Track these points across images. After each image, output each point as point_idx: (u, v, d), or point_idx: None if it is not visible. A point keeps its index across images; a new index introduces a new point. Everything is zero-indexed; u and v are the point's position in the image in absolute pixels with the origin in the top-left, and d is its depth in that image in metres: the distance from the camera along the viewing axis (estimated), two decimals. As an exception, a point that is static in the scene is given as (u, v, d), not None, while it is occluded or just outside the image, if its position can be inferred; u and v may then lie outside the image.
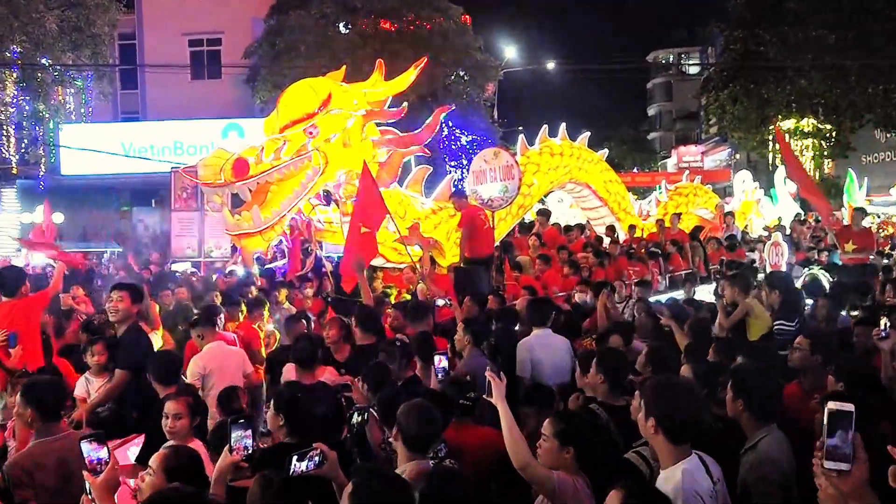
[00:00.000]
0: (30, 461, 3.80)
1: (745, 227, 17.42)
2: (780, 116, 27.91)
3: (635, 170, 50.29)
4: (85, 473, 2.90)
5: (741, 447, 3.42)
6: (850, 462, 2.10)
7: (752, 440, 3.36)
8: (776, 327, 6.47)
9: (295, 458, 2.94)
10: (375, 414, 4.16)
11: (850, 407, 2.11)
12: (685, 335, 5.80)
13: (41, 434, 3.92)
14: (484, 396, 3.62)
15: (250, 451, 3.08)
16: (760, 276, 9.46)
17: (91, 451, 2.92)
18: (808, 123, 28.16)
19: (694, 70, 58.30)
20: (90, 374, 5.94)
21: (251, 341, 7.63)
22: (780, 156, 25.40)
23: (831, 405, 2.12)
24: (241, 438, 3.07)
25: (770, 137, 28.40)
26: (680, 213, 14.91)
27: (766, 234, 16.64)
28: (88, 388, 5.87)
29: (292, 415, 3.99)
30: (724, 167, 41.23)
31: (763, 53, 27.15)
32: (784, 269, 9.85)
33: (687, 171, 20.05)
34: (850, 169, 21.10)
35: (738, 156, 40.01)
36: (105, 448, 2.96)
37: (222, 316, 7.38)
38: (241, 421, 3.16)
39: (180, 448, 3.43)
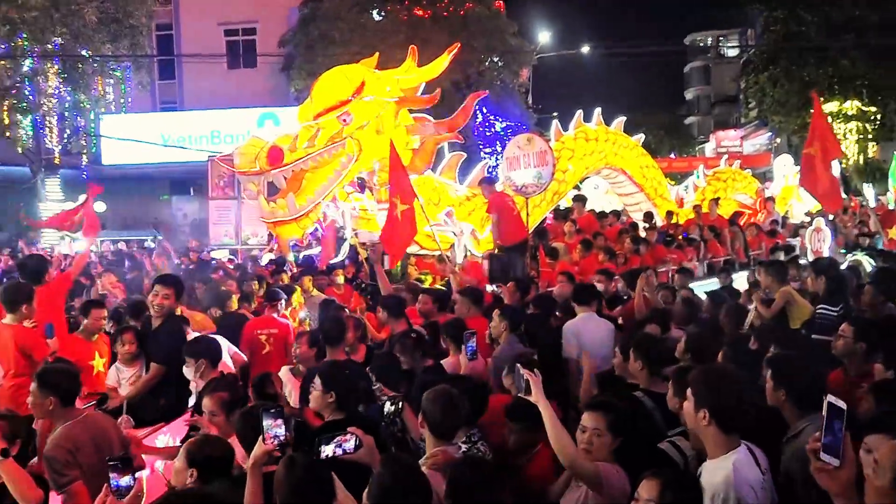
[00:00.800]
0: (70, 442, 3.86)
1: (786, 213, 17.06)
2: (822, 99, 27.19)
3: (672, 155, 49.56)
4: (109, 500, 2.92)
5: (783, 436, 3.35)
6: (840, 459, 2.14)
7: (794, 429, 3.29)
8: (818, 312, 6.32)
9: (322, 442, 2.96)
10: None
11: (842, 404, 2.16)
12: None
13: (63, 419, 3.98)
14: (521, 395, 3.51)
15: (282, 440, 3.03)
16: (803, 262, 9.24)
17: (116, 478, 2.92)
18: (851, 106, 27.46)
19: (733, 53, 57.08)
20: (120, 363, 5.89)
21: (286, 336, 7.56)
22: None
23: (830, 399, 2.18)
24: (272, 427, 3.02)
25: (811, 120, 27.70)
26: (718, 199, 14.65)
27: (807, 219, 16.31)
28: (119, 377, 5.83)
29: (342, 391, 3.98)
30: (763, 151, 40.42)
31: (804, 34, 26.53)
32: (826, 254, 9.63)
33: (726, 156, 19.66)
34: (895, 152, 20.51)
35: (778, 140, 39.19)
36: (130, 475, 2.95)
37: (283, 302, 7.63)
38: (273, 410, 3.13)
39: (209, 438, 3.45)
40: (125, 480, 2.92)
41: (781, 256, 9.96)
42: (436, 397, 3.58)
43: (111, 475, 2.92)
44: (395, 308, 6.41)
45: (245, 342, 6.85)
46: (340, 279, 10.31)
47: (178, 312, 6.43)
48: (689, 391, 2.91)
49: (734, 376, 3.02)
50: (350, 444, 3.01)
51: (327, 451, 2.98)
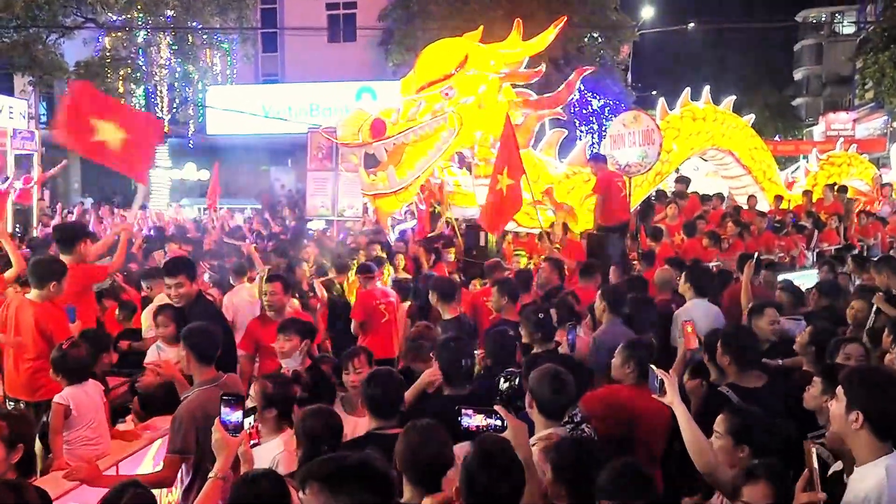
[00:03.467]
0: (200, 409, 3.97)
1: (904, 201, 16.02)
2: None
3: (777, 137, 47.32)
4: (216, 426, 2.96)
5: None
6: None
7: None
8: None
9: (464, 413, 2.90)
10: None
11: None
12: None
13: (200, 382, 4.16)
14: (655, 396, 3.35)
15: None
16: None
17: (228, 411, 2.96)
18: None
19: (848, 30, 53.81)
20: (162, 342, 5.62)
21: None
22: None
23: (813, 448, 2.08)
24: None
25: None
26: (834, 184, 13.86)
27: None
28: (160, 355, 5.51)
29: (452, 366, 4.06)
30: (878, 136, 38.05)
31: (933, 10, 24.67)
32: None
33: (841, 139, 18.59)
34: None
35: (895, 124, 36.81)
36: (241, 411, 2.98)
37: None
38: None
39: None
40: (235, 416, 2.95)
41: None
42: (543, 377, 3.51)
43: (223, 409, 2.96)
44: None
45: (363, 311, 7.12)
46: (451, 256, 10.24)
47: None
48: (840, 391, 2.71)
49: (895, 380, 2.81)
50: (497, 424, 2.89)
51: (472, 422, 2.89)
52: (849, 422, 2.62)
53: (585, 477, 2.82)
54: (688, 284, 6.22)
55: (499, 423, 2.86)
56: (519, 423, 2.97)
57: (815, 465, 2.01)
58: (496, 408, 2.91)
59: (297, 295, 7.46)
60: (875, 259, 7.99)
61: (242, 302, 7.15)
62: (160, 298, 6.28)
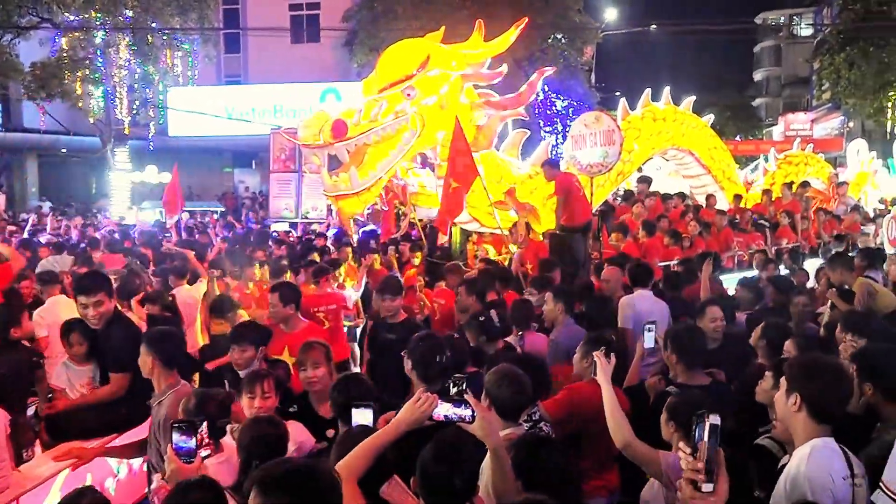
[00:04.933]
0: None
1: (860, 200, 16.39)
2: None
3: (738, 137, 48.10)
4: (169, 456, 2.89)
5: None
6: (714, 482, 2.05)
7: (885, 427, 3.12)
8: None
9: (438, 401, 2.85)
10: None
11: (716, 420, 2.07)
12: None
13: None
14: (592, 376, 3.60)
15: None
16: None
17: (181, 439, 2.89)
18: (933, 90, 26.17)
19: (806, 32, 54.92)
20: (70, 360, 5.14)
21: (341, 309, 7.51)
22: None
23: (713, 419, 2.06)
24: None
25: (888, 104, 26.54)
26: (791, 183, 14.14)
27: (881, 206, 15.64)
28: (69, 376, 5.09)
29: (423, 364, 3.98)
30: (835, 136, 38.91)
31: (885, 13, 25.28)
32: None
33: (798, 139, 18.96)
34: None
35: (851, 124, 37.68)
36: (194, 438, 2.91)
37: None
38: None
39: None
40: (189, 443, 2.89)
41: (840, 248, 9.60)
42: (502, 378, 3.50)
43: (175, 437, 2.90)
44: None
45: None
46: (417, 259, 10.24)
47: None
48: (783, 379, 2.80)
49: (835, 366, 2.88)
50: (467, 413, 2.82)
51: (440, 411, 2.83)
52: (788, 405, 2.71)
53: (542, 475, 2.83)
54: (630, 276, 6.47)
55: (468, 412, 2.80)
56: (489, 413, 2.97)
57: (706, 437, 2.06)
58: (466, 398, 2.86)
59: None
60: (829, 256, 8.17)
61: (181, 304, 7.12)
62: (53, 301, 6.35)
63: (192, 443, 2.90)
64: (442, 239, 10.94)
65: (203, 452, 3.00)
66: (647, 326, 4.86)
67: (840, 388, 2.74)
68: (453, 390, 3.61)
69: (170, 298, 7.12)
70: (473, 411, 2.79)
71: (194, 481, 2.65)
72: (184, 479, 2.72)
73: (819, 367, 2.76)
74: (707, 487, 2.06)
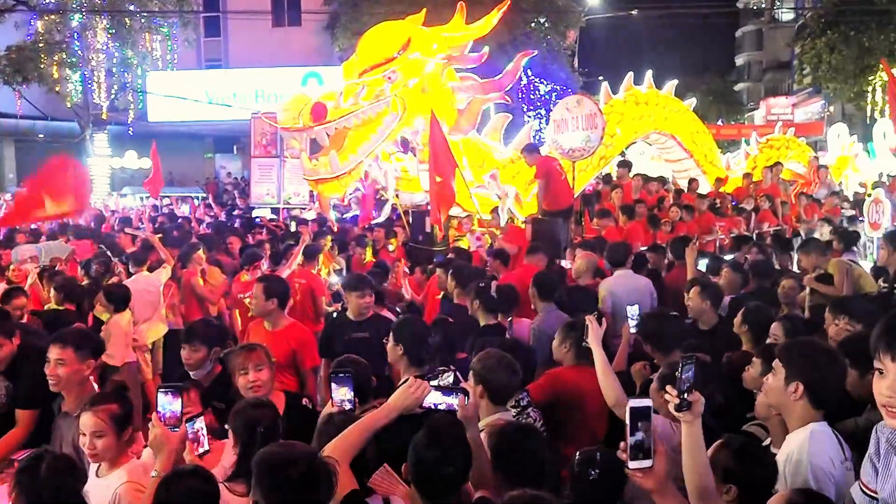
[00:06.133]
0: None
1: (841, 183, 16.50)
2: (881, 66, 26.13)
3: (720, 122, 48.29)
4: (154, 420, 2.80)
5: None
6: (652, 458, 2.17)
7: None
8: None
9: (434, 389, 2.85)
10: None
11: (647, 402, 2.20)
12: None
13: None
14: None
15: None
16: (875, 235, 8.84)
17: (166, 402, 2.81)
18: (913, 73, 26.32)
19: (788, 16, 55.07)
20: None
21: (314, 288, 7.41)
22: (880, 106, 23.88)
23: (632, 402, 2.18)
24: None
25: (868, 89, 26.69)
26: (772, 167, 14.19)
27: (861, 190, 15.74)
28: None
29: (414, 346, 3.82)
30: (816, 120, 39.12)
31: (866, -4, 25.39)
32: (887, 227, 9.23)
33: (779, 123, 19.05)
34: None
35: (831, 108, 37.89)
36: (179, 401, 2.83)
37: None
38: (342, 375, 3.08)
39: None
40: (173, 406, 2.80)
41: (825, 230, 9.60)
42: (497, 363, 3.47)
43: (160, 399, 2.81)
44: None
45: None
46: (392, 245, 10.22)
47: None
48: (777, 364, 2.77)
49: (832, 351, 2.90)
50: (454, 402, 2.83)
51: (429, 399, 2.85)
52: (787, 393, 2.70)
53: (519, 465, 2.81)
54: (607, 257, 6.58)
55: (455, 401, 2.82)
56: (474, 403, 2.98)
57: (628, 420, 2.18)
58: (465, 386, 2.89)
59: None
60: (801, 242, 8.18)
61: (139, 291, 7.01)
62: None
63: (178, 407, 2.82)
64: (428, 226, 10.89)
65: (199, 450, 2.94)
66: (631, 311, 4.83)
67: (839, 374, 2.78)
68: (448, 379, 3.59)
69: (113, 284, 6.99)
70: (456, 401, 2.82)
71: (187, 469, 2.62)
72: (176, 468, 2.68)
73: (820, 353, 2.77)
74: (646, 463, 2.17)
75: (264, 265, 7.87)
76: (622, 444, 2.19)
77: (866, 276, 6.20)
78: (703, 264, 7.03)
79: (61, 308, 6.47)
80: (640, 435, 2.16)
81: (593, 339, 3.72)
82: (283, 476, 2.25)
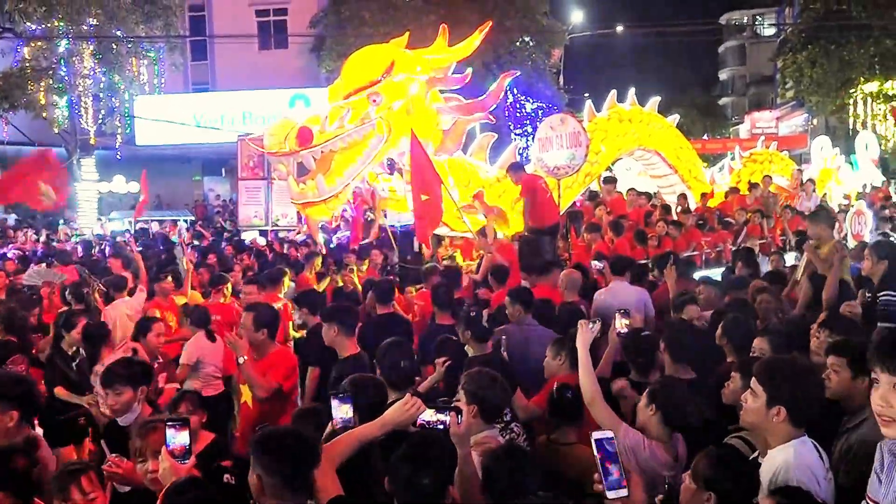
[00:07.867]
0: None
1: (824, 196, 16.67)
2: (861, 79, 26.55)
3: (705, 136, 48.69)
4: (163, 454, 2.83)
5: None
6: (627, 487, 2.24)
7: (855, 419, 3.18)
8: (882, 299, 6.05)
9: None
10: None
11: (609, 434, 2.30)
12: None
13: None
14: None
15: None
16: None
17: (174, 437, 2.85)
18: (892, 86, 26.71)
19: (770, 31, 55.78)
20: None
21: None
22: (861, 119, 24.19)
23: (595, 435, 2.28)
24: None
25: (850, 101, 27.07)
26: (756, 184, 14.33)
27: (845, 202, 15.90)
28: None
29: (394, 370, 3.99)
30: (799, 133, 39.53)
31: (845, 12, 25.78)
32: (868, 239, 9.36)
33: (762, 137, 19.24)
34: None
35: (815, 121, 38.28)
36: (186, 432, 2.87)
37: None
38: (342, 395, 3.12)
39: None
40: (181, 439, 2.84)
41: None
42: (490, 381, 3.51)
43: (169, 433, 2.85)
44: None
45: None
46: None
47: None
48: (756, 385, 2.81)
49: (809, 368, 2.95)
50: (446, 420, 2.87)
51: (422, 417, 2.91)
52: (769, 416, 2.74)
53: (512, 490, 2.83)
54: (608, 268, 6.80)
55: (447, 419, 2.87)
56: (467, 421, 3.00)
57: (597, 452, 2.26)
58: (458, 405, 2.95)
59: None
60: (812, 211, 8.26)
61: (120, 316, 7.07)
62: None
63: (185, 439, 2.85)
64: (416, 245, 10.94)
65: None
66: (621, 311, 4.86)
67: (819, 393, 2.84)
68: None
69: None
70: (448, 419, 2.87)
71: (188, 481, 2.67)
72: (177, 479, 2.72)
73: (800, 373, 2.81)
74: (622, 493, 2.23)
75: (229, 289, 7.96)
76: (595, 475, 2.25)
77: (847, 263, 6.32)
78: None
79: (2, 340, 6.24)
80: (610, 466, 2.24)
81: (580, 341, 3.84)
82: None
